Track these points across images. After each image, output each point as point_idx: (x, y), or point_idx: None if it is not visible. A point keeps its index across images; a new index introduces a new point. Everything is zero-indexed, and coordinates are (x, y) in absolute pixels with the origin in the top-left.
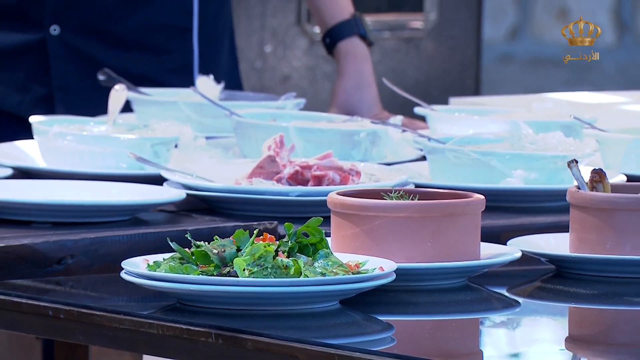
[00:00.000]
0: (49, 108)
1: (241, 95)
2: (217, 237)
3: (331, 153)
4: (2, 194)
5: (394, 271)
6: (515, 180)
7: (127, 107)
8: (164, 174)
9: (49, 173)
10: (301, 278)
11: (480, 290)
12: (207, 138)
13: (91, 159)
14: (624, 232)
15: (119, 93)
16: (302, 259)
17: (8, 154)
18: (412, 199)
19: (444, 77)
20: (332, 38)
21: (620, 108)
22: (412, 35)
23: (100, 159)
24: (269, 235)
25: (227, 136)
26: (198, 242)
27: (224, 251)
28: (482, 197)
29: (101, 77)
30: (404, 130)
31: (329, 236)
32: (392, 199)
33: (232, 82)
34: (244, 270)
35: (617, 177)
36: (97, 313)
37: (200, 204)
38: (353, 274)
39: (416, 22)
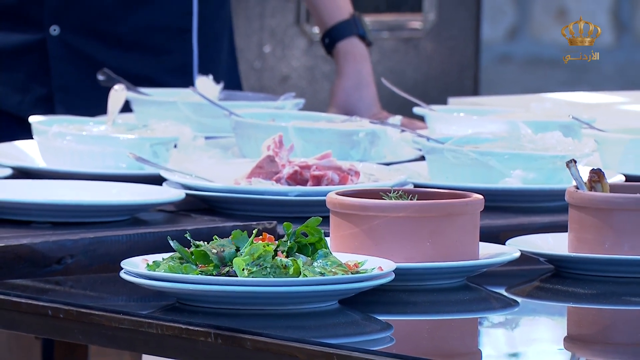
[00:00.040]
0: (48, 108)
1: (240, 96)
2: (217, 237)
3: (330, 153)
4: (2, 194)
5: (393, 271)
6: (514, 180)
7: (126, 107)
8: (164, 174)
9: (49, 173)
10: (300, 278)
11: (479, 290)
12: (207, 138)
13: (91, 158)
14: (623, 232)
15: (118, 93)
16: (301, 259)
17: (8, 154)
18: (411, 199)
19: (442, 77)
20: (331, 38)
21: (618, 108)
22: (411, 35)
23: (99, 159)
24: (268, 235)
25: (227, 136)
26: (197, 242)
27: (223, 251)
28: (480, 197)
29: (101, 77)
30: (402, 130)
31: (328, 236)
32: (391, 199)
33: (232, 82)
34: (243, 270)
35: (615, 177)
36: (97, 313)
37: (200, 204)
38: (352, 273)
39: (415, 22)
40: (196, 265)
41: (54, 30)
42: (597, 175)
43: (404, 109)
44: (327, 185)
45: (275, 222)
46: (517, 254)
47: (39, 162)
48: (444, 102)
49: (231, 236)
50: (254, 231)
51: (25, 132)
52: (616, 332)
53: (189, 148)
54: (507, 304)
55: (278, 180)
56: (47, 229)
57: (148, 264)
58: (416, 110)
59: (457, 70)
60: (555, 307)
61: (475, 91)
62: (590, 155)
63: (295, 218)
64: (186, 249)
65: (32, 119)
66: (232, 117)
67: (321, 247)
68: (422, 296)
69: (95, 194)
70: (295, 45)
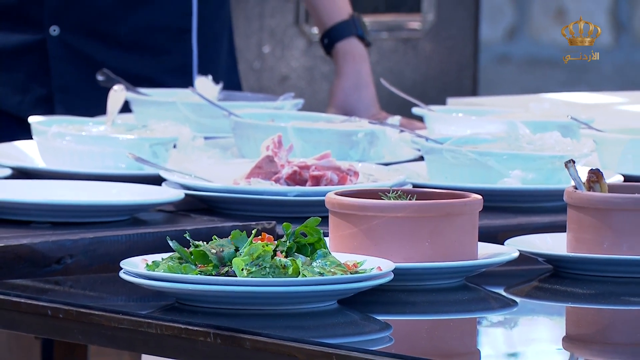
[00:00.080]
0: (48, 108)
1: (240, 96)
2: (216, 237)
3: (329, 153)
4: (2, 194)
5: (392, 271)
6: (513, 180)
7: (126, 108)
8: (163, 174)
9: (48, 173)
10: (299, 278)
11: (477, 290)
12: (206, 138)
13: (90, 159)
14: (621, 232)
15: (117, 93)
16: (300, 259)
17: (7, 154)
18: (409, 199)
19: (441, 77)
20: (330, 38)
21: (617, 108)
22: (409, 35)
23: (99, 159)
24: (267, 235)
25: (226, 136)
26: (197, 242)
27: (223, 251)
28: (479, 197)
29: (100, 78)
30: (401, 131)
31: (327, 236)
32: (389, 199)
33: (231, 82)
34: (242, 270)
35: (614, 177)
36: (96, 313)
37: (199, 204)
38: (351, 273)
39: (414, 22)
40: (195, 265)
41: (54, 30)
42: (595, 176)
43: (403, 109)
44: (326, 185)
45: (274, 222)
46: (516, 254)
47: (38, 163)
48: (443, 103)
49: (230, 236)
50: (253, 231)
51: (25, 133)
52: (615, 332)
53: (188, 148)
54: (505, 304)
55: (277, 181)
56: (46, 229)
57: (147, 264)
58: (415, 110)
59: (455, 70)
60: (554, 307)
61: (474, 91)
62: (589, 155)
63: (295, 218)
64: (185, 249)
65: (32, 119)
66: (232, 117)
67: (320, 247)
68: (421, 296)
69: (95, 194)
70: (295, 46)
